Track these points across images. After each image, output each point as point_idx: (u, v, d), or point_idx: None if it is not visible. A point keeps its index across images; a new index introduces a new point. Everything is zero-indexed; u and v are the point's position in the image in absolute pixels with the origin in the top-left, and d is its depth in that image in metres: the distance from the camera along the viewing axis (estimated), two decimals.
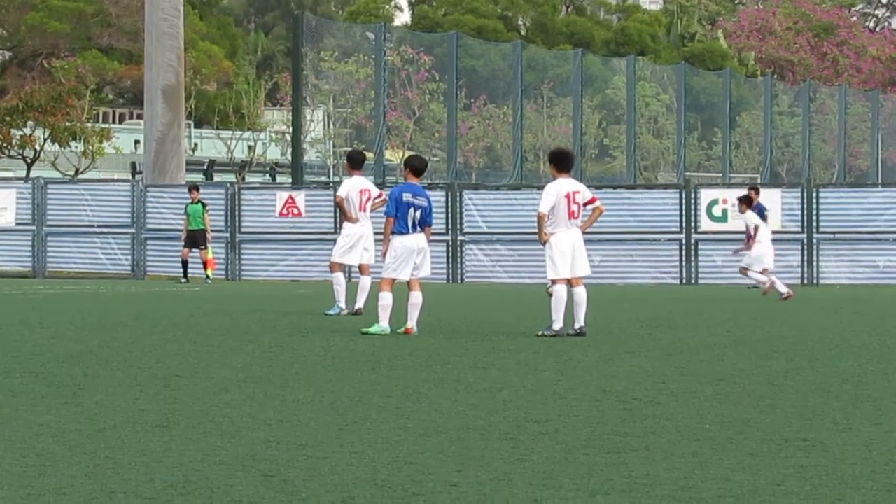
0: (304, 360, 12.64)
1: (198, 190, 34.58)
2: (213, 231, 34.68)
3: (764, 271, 25.98)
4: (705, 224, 35.48)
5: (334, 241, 20.36)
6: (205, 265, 34.21)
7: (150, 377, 11.05)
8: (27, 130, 48.32)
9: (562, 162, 15.76)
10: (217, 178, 56.75)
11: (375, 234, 19.27)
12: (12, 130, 47.80)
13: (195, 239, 33.72)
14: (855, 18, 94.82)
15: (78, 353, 13.14)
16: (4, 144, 48.06)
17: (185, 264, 33.89)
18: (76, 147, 48.36)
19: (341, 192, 19.44)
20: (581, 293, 15.52)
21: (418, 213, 15.77)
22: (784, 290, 25.02)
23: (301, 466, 6.93)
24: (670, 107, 55.07)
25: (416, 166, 16.24)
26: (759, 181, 51.08)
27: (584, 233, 15.77)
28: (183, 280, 33.63)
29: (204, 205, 33.83)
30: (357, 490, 6.33)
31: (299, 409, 9.18)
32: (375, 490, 6.34)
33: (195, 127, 67.71)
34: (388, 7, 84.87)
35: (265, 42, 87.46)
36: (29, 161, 48.73)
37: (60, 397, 9.72)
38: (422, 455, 7.30)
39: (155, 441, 7.71)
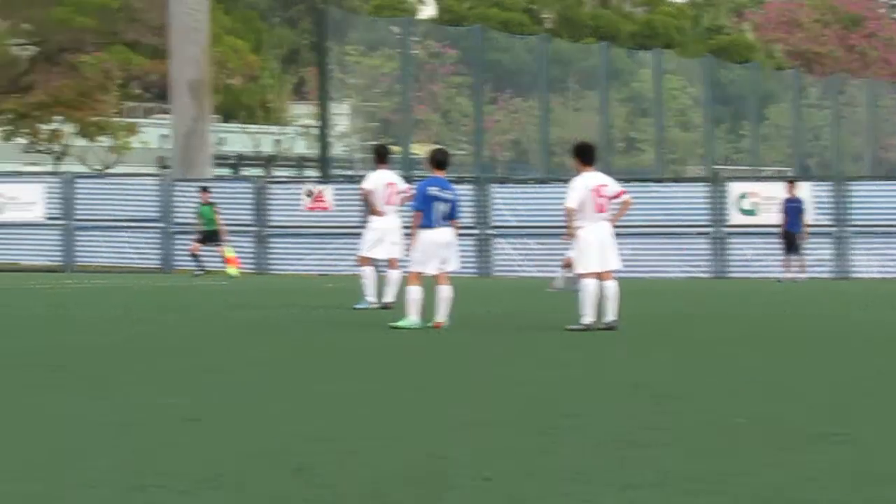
0: (333, 354, 12.61)
1: (207, 191, 34.76)
2: (241, 225, 34.79)
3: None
4: (735, 218, 35.35)
5: (362, 234, 20.32)
6: (226, 262, 34.27)
7: (179, 371, 11.05)
8: (55, 126, 48.48)
9: (585, 155, 15.68)
10: (244, 172, 56.83)
11: (404, 227, 19.22)
12: (40, 126, 47.97)
13: (212, 237, 34.03)
14: (883, 10, 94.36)
15: (106, 347, 13.15)
16: (33, 140, 48.24)
17: (196, 257, 34.08)
18: (103, 142, 48.52)
19: (367, 185, 19.39)
20: (612, 287, 15.44)
21: (445, 207, 15.72)
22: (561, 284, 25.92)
23: (331, 460, 6.91)
24: (697, 100, 54.84)
25: (438, 160, 16.20)
26: (788, 174, 50.83)
27: (613, 226, 15.67)
28: (199, 272, 33.67)
29: (212, 205, 34.12)
30: (388, 484, 6.30)
31: (329, 403, 9.15)
32: (406, 484, 6.31)
33: (222, 121, 67.83)
34: (412, 1, 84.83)
35: (290, 36, 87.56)
36: (57, 156, 48.91)
37: (89, 391, 9.72)
38: (452, 449, 7.27)
39: (185, 435, 7.70)
